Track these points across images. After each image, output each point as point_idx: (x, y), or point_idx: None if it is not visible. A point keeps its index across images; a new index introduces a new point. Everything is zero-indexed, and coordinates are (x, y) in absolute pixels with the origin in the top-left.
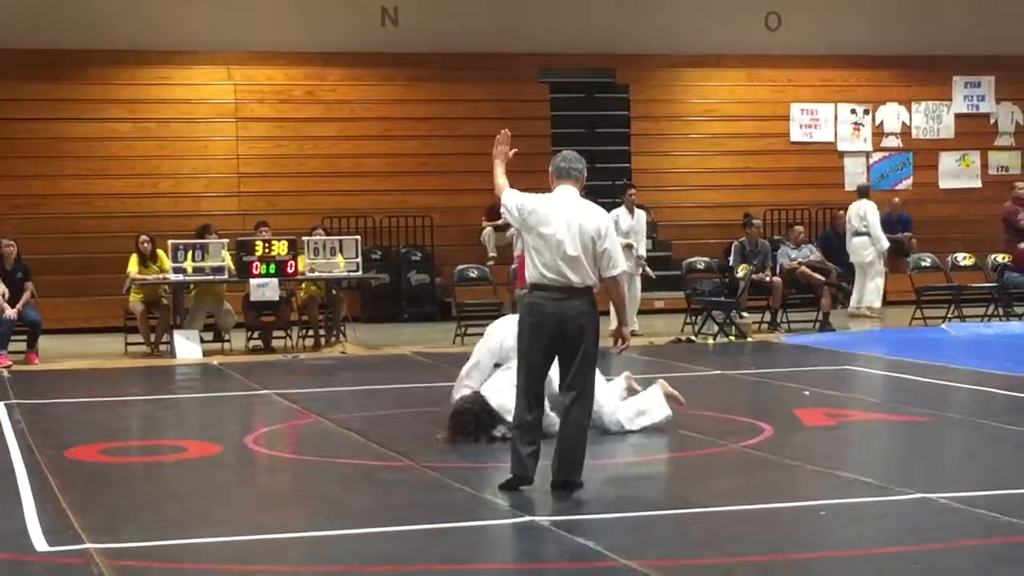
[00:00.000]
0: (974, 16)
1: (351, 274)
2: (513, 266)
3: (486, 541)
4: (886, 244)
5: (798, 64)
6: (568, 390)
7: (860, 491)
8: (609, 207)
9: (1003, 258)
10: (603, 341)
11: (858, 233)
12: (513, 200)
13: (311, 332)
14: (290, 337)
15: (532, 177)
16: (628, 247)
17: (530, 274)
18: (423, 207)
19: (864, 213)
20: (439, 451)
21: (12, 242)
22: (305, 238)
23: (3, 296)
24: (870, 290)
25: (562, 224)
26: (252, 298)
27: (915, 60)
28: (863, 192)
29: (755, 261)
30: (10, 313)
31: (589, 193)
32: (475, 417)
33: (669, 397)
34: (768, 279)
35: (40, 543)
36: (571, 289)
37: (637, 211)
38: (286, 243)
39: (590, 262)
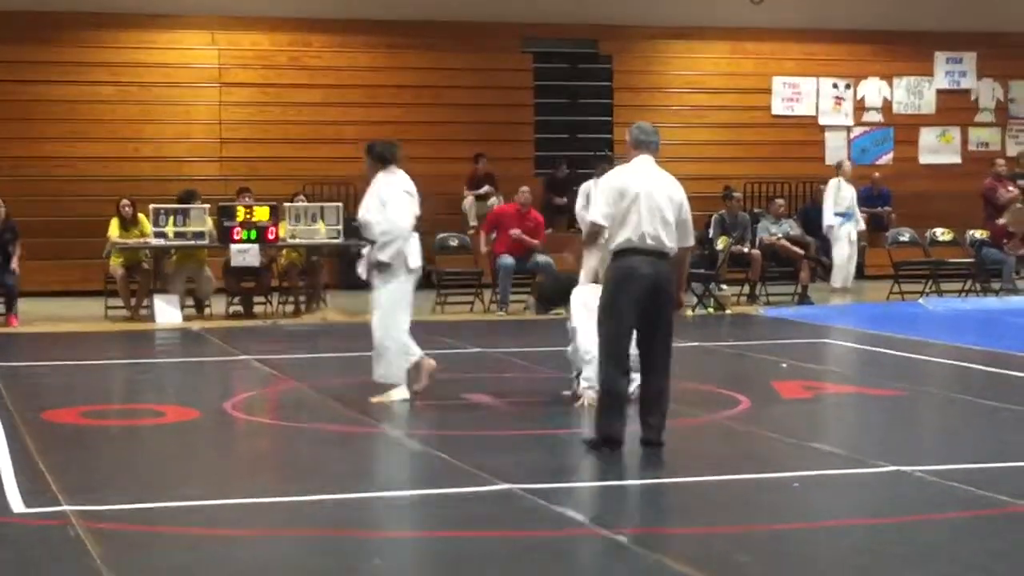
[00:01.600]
0: None
1: (332, 241)
2: (492, 235)
3: (463, 508)
4: (826, 222)
5: (781, 37)
6: (653, 351)
7: (835, 463)
8: (588, 178)
9: (981, 234)
10: None
11: None
12: (603, 211)
13: (291, 298)
14: (270, 303)
15: (514, 147)
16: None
17: (624, 238)
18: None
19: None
20: (417, 418)
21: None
22: (287, 204)
23: None
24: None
25: (657, 193)
26: (232, 263)
27: (897, 35)
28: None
29: (734, 233)
30: None
31: (570, 163)
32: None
33: None
34: (747, 252)
35: (17, 504)
36: (663, 254)
37: None
38: (267, 209)
39: (677, 229)
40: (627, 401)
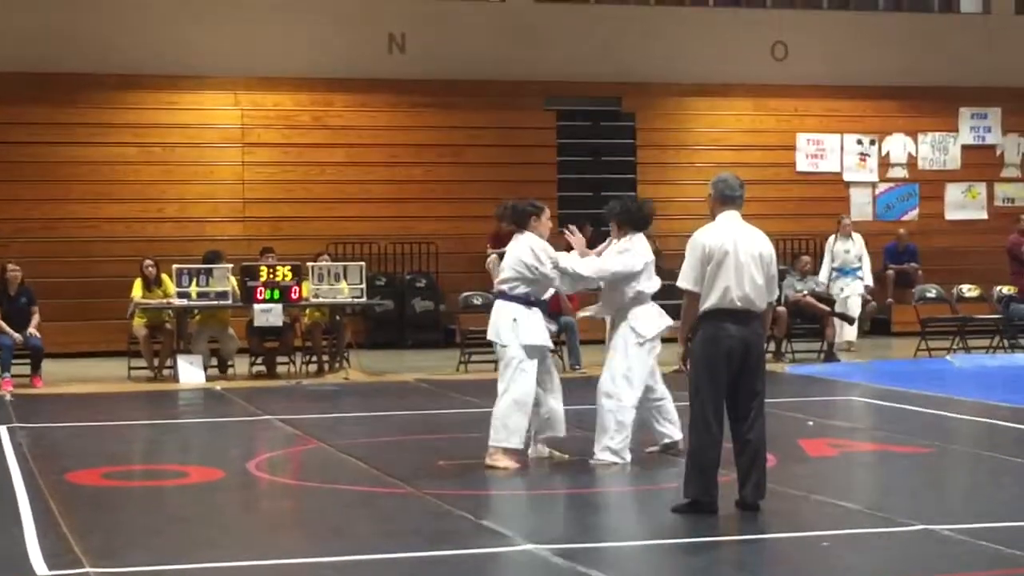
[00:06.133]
0: (981, 47)
1: (355, 300)
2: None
3: (486, 569)
4: (819, 278)
5: (804, 94)
6: (746, 413)
7: (863, 522)
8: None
9: (1009, 290)
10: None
11: None
12: (691, 275)
13: (314, 358)
14: (293, 363)
15: None
16: None
17: (712, 300)
18: (428, 233)
19: None
20: (440, 478)
21: (17, 267)
22: (310, 264)
23: None
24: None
25: (744, 251)
26: (256, 323)
27: (921, 91)
28: None
29: None
30: (16, 337)
31: (594, 222)
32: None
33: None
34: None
35: (40, 567)
36: (752, 314)
37: None
38: (290, 268)
39: (765, 287)
40: (718, 467)
